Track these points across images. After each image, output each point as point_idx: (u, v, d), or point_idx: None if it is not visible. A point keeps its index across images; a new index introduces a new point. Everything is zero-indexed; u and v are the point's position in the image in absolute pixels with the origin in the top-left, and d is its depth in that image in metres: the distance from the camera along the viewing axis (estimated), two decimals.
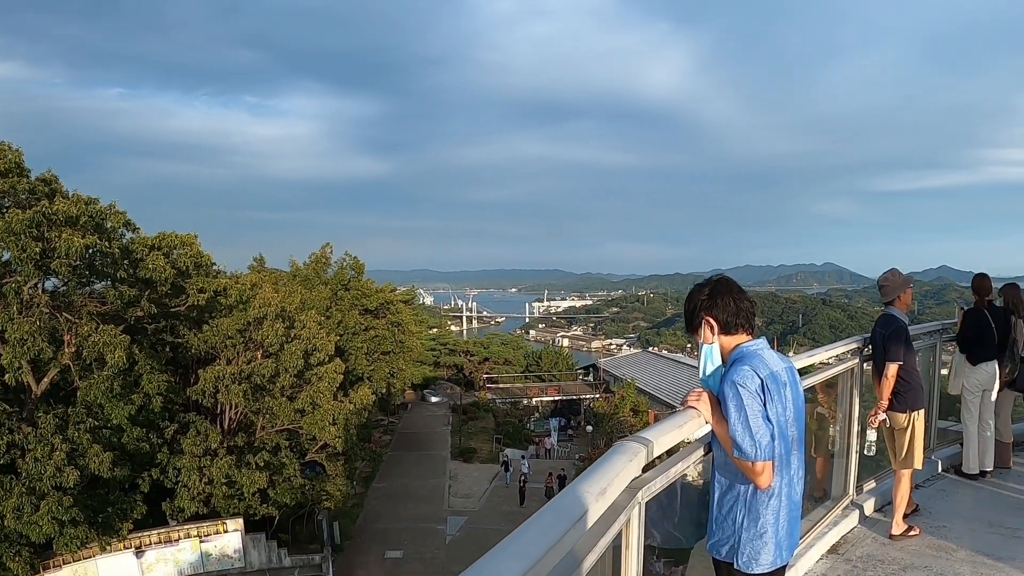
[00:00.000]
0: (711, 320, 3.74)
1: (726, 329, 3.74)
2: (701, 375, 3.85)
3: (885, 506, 7.69)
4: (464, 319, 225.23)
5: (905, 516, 7.36)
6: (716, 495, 3.83)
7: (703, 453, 3.94)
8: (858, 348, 7.53)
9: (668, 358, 70.18)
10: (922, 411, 7.35)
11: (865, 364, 7.59)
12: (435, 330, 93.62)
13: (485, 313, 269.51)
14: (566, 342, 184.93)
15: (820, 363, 7.22)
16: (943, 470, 9.35)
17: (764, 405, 3.54)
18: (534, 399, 69.68)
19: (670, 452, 3.89)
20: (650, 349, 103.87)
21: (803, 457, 3.87)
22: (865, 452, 7.40)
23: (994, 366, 8.91)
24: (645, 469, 3.51)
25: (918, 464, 7.31)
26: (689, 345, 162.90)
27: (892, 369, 7.10)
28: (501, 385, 74.37)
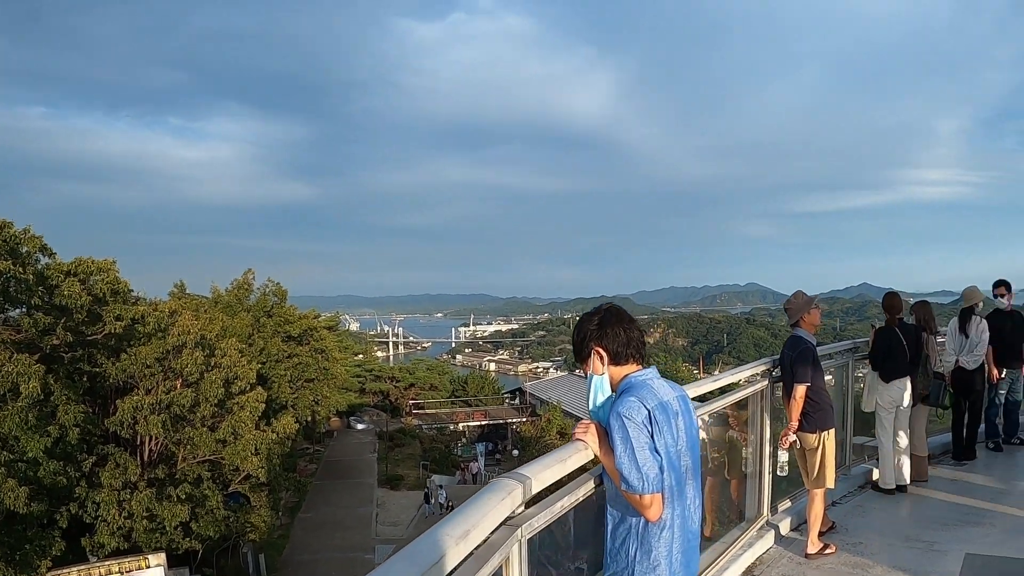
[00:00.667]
0: (601, 350, 3.67)
1: (616, 359, 3.67)
2: (591, 406, 3.76)
3: (801, 525, 7.76)
4: (390, 345, 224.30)
5: (821, 534, 7.50)
6: (609, 527, 3.75)
7: (594, 485, 3.85)
8: (767, 370, 7.66)
9: None
10: (832, 431, 7.46)
11: (775, 385, 7.69)
12: (360, 356, 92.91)
13: (411, 338, 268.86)
14: (493, 366, 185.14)
15: (730, 385, 7.34)
16: (860, 486, 9.56)
17: (652, 437, 3.46)
18: (460, 424, 69.57)
19: (580, 474, 3.86)
20: (576, 372, 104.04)
21: (700, 486, 3.84)
22: (778, 473, 7.48)
23: (906, 382, 9.17)
24: (532, 503, 3.46)
25: (830, 483, 7.44)
26: None
27: (800, 391, 7.20)
28: (427, 411, 74.17)
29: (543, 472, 3.47)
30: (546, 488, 3.61)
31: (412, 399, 77.42)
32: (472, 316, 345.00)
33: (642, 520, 3.55)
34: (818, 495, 7.38)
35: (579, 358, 3.80)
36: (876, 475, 9.45)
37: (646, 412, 3.46)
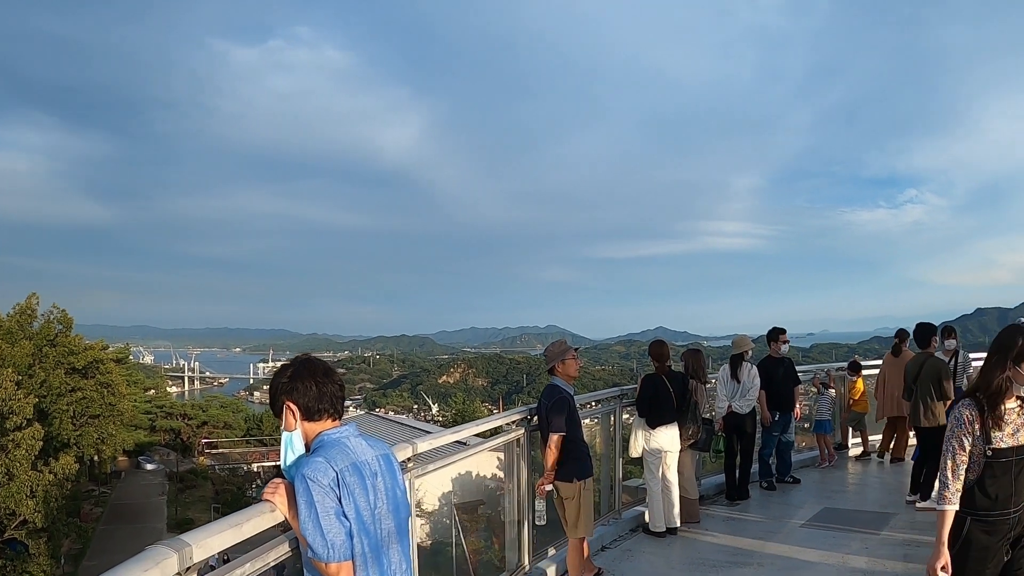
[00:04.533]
0: (292, 405, 3.45)
1: (308, 415, 3.46)
2: (283, 465, 3.53)
3: (565, 573, 7.75)
4: (186, 380, 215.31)
5: None
6: None
7: (289, 549, 3.55)
8: (524, 418, 7.70)
9: (394, 420, 69.95)
10: (590, 480, 7.50)
11: (532, 434, 7.72)
12: (152, 391, 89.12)
13: (208, 373, 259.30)
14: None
15: (484, 433, 7.47)
16: (632, 529, 9.63)
17: (339, 501, 3.24)
18: (255, 464, 67.63)
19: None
20: (376, 411, 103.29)
21: (407, 548, 3.65)
22: (537, 522, 7.46)
23: (673, 428, 9.39)
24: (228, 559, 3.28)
25: (586, 532, 7.49)
26: (415, 406, 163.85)
27: (555, 440, 7.21)
28: (221, 450, 71.89)
29: (210, 539, 3.14)
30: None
31: (205, 438, 74.79)
32: (272, 352, 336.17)
33: None
34: (576, 543, 7.44)
35: (275, 412, 3.58)
36: (647, 518, 9.58)
37: (333, 474, 3.26)
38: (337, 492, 3.24)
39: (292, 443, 3.49)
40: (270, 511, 3.41)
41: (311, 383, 3.45)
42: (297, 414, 3.45)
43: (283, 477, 3.49)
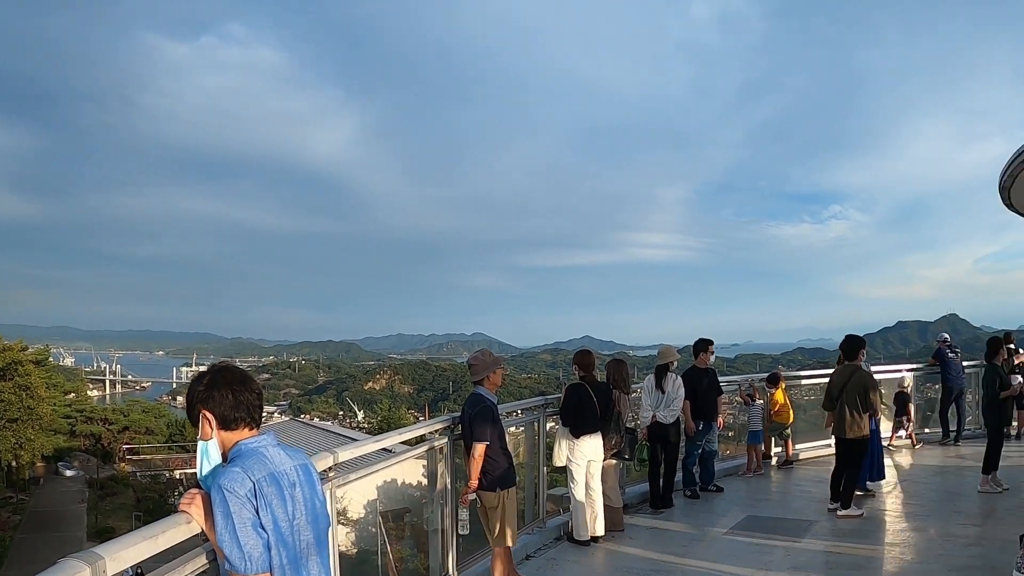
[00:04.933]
0: (208, 414, 3.37)
1: (225, 424, 3.37)
2: (199, 474, 3.44)
3: None
4: (107, 383, 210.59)
5: None
6: None
7: (206, 561, 3.47)
8: (447, 427, 7.71)
9: (319, 427, 69.24)
10: (512, 489, 7.57)
11: (456, 443, 7.74)
12: (72, 395, 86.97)
13: (130, 377, 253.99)
14: None
15: (411, 440, 7.52)
16: (556, 538, 9.68)
17: (257, 512, 3.16)
18: (177, 471, 66.41)
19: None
20: (301, 417, 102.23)
21: (327, 560, 3.56)
22: (460, 531, 7.47)
23: (596, 437, 9.48)
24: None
25: (510, 541, 7.51)
26: (341, 413, 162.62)
27: (479, 449, 7.26)
28: (142, 456, 70.54)
29: (124, 551, 3.06)
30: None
31: (126, 443, 73.26)
32: (195, 355, 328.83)
33: None
34: (500, 553, 7.48)
35: (191, 422, 3.49)
36: (571, 527, 9.63)
37: (251, 484, 3.18)
38: (254, 503, 3.17)
39: (208, 453, 3.41)
40: (186, 522, 3.33)
41: (227, 392, 3.39)
42: (213, 423, 3.38)
43: (200, 487, 3.41)
